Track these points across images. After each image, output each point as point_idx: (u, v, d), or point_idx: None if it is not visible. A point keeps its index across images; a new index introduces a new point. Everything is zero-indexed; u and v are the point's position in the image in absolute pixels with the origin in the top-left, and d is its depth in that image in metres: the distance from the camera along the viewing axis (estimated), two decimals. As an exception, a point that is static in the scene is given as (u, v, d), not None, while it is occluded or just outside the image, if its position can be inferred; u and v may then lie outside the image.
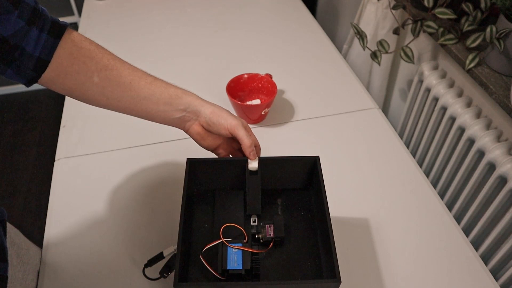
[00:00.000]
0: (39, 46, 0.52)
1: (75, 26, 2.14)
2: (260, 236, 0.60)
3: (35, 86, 0.61)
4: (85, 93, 0.58)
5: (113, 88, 0.58)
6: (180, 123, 0.64)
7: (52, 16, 0.54)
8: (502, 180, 0.94)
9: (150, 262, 0.66)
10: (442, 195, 1.18)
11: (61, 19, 0.56)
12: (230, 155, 0.68)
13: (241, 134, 0.62)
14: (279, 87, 1.05)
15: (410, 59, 1.11)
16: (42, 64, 0.53)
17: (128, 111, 0.62)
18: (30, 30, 0.51)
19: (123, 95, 0.59)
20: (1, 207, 0.62)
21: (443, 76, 1.15)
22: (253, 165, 0.63)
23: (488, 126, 1.01)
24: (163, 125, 0.65)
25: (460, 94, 1.10)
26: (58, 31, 0.54)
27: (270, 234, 0.60)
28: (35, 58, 0.52)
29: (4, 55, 0.50)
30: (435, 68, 1.17)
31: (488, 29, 0.94)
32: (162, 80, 0.62)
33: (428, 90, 1.17)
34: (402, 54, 1.12)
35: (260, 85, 1.01)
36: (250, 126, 0.98)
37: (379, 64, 1.16)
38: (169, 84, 0.62)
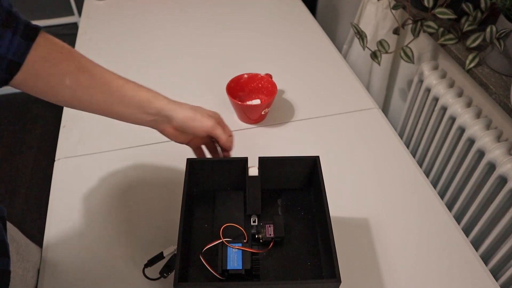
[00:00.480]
0: (12, 49, 0.52)
1: (75, 26, 2.14)
2: (260, 236, 0.60)
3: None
4: (56, 95, 0.58)
5: (84, 91, 0.58)
6: (153, 125, 0.65)
7: (25, 19, 0.54)
8: (502, 180, 0.94)
9: (150, 262, 0.66)
10: (442, 195, 1.17)
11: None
12: (203, 145, 0.71)
13: (218, 133, 0.65)
14: (279, 87, 1.05)
15: (410, 59, 1.11)
16: (14, 67, 0.53)
17: (100, 112, 0.62)
18: (4, 33, 0.51)
19: (95, 97, 0.59)
20: (0, 205, 0.62)
21: (443, 76, 1.15)
22: (253, 171, 0.64)
23: (488, 126, 1.01)
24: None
25: (460, 94, 1.10)
26: (31, 34, 0.53)
27: (270, 234, 0.60)
28: (7, 61, 0.52)
29: None
30: (435, 68, 1.17)
31: (488, 29, 0.94)
32: (135, 83, 0.62)
33: (428, 90, 1.17)
34: (402, 54, 1.12)
35: (260, 85, 1.01)
36: (250, 126, 0.99)
37: (379, 64, 1.16)
38: (141, 87, 0.62)
